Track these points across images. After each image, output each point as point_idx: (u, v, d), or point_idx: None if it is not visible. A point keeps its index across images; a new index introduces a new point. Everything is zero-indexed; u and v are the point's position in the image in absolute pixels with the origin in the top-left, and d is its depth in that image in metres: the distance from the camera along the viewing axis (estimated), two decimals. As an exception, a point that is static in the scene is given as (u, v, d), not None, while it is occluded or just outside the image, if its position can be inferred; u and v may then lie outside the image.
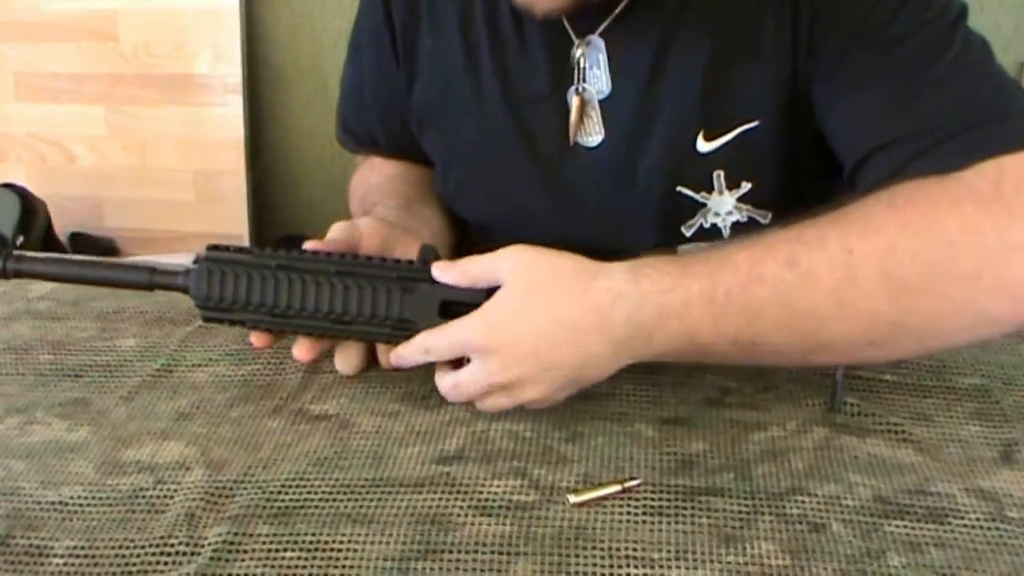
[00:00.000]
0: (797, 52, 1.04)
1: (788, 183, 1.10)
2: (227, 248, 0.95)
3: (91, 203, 2.76)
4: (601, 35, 1.11)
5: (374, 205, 1.19)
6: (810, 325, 0.87)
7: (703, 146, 1.09)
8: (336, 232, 1.02)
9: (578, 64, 1.12)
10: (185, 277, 0.96)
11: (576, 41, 1.12)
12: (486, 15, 1.17)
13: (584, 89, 1.13)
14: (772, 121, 1.07)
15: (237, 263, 0.94)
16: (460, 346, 0.91)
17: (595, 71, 1.12)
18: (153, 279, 0.97)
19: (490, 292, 0.91)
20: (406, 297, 0.94)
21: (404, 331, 0.94)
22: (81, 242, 2.77)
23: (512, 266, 0.90)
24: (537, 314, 0.88)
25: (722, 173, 1.10)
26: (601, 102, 1.13)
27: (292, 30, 2.69)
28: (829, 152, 1.07)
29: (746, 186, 1.10)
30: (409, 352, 0.94)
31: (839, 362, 0.94)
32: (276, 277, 0.94)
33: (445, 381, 0.94)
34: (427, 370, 1.01)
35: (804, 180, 1.10)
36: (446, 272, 0.93)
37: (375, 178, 1.34)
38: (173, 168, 2.64)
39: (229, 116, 2.66)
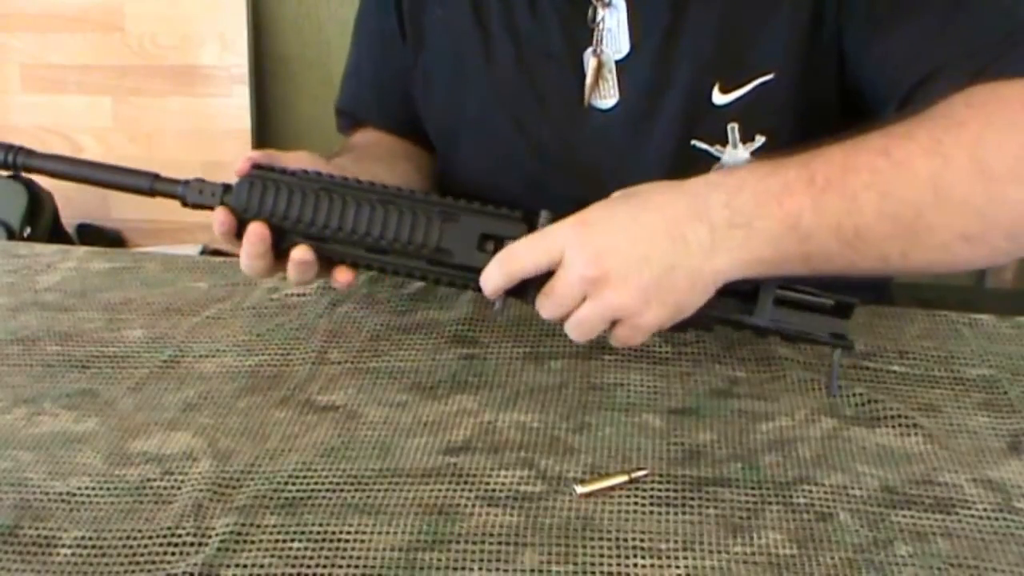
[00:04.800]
0: (820, 2, 1.03)
1: (802, 137, 1.07)
2: (272, 169, 0.96)
3: (97, 194, 2.74)
4: None
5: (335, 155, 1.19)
6: (908, 213, 0.86)
7: (719, 98, 1.09)
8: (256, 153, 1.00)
9: (598, 26, 1.12)
10: (184, 187, 0.97)
11: (595, 2, 1.12)
12: None
13: (602, 51, 1.12)
14: (788, 74, 1.07)
15: (280, 181, 0.95)
16: (551, 245, 0.88)
17: (614, 32, 1.12)
18: (154, 185, 0.98)
19: (531, 229, 0.91)
20: (445, 227, 0.93)
21: (440, 264, 0.94)
22: (88, 233, 2.77)
23: (567, 237, 0.89)
24: (631, 208, 0.87)
25: (736, 126, 1.10)
26: (618, 63, 1.13)
27: (298, 21, 2.69)
28: (845, 108, 1.07)
29: (760, 139, 1.10)
30: (493, 268, 0.90)
31: (937, 263, 0.90)
32: (317, 196, 0.94)
33: (540, 295, 0.90)
34: (433, 362, 1.01)
35: (819, 135, 1.09)
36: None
37: (354, 138, 1.35)
38: (180, 159, 2.64)
39: (235, 107, 2.67)
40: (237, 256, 0.97)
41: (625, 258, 0.86)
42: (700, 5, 1.08)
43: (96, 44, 2.72)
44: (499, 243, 0.92)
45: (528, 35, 1.16)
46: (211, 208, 0.97)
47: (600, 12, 1.12)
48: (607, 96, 1.14)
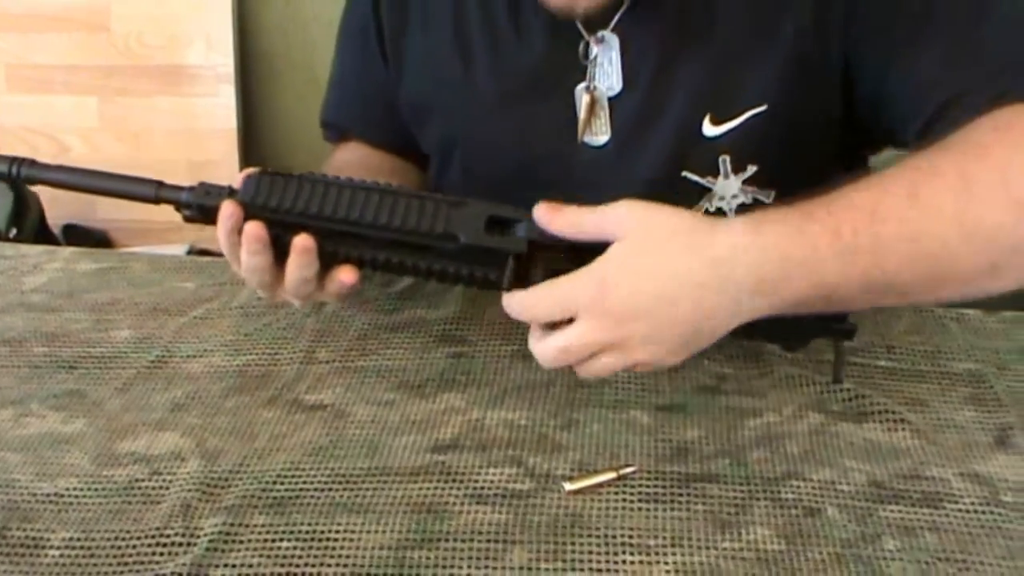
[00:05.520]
0: (823, 29, 1.02)
1: (794, 164, 1.07)
2: (277, 172, 0.95)
3: (83, 195, 2.75)
4: (613, 30, 1.08)
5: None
6: (936, 255, 0.84)
7: (709, 130, 1.08)
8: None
9: (591, 62, 1.10)
10: (189, 192, 0.95)
11: (587, 37, 1.09)
12: (480, 8, 1.15)
13: (595, 87, 1.11)
14: (781, 106, 1.06)
15: (287, 177, 0.94)
16: (569, 304, 0.85)
17: (606, 68, 1.10)
18: (159, 193, 0.96)
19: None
20: (453, 212, 0.91)
21: (447, 255, 0.93)
22: (74, 234, 2.76)
23: (624, 221, 0.85)
24: (654, 270, 0.83)
25: (728, 157, 1.09)
26: (610, 100, 1.11)
27: (284, 20, 2.68)
28: (838, 133, 1.07)
29: (752, 168, 1.09)
30: (511, 304, 0.89)
31: (962, 295, 0.89)
32: (326, 188, 0.93)
33: (548, 345, 0.86)
34: (421, 360, 1.01)
35: (811, 161, 1.09)
36: (554, 219, 0.87)
37: (339, 154, 1.32)
38: (166, 159, 2.63)
39: (222, 106, 2.66)
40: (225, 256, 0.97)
41: (648, 324, 0.84)
42: (692, 41, 1.06)
43: (82, 44, 2.70)
44: (507, 226, 0.92)
45: (514, 66, 1.14)
46: (214, 216, 0.95)
47: (593, 48, 1.10)
48: (599, 133, 1.12)
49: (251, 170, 0.95)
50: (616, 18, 1.08)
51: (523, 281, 0.90)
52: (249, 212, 0.93)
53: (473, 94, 1.17)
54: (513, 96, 1.15)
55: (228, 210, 0.93)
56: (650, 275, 0.83)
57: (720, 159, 1.09)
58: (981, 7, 0.95)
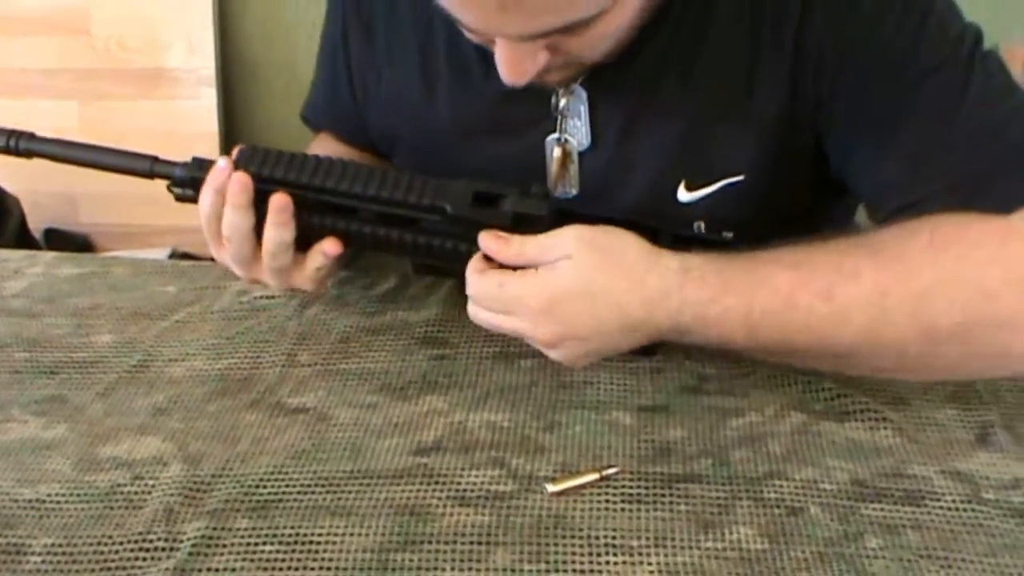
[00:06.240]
0: (798, 104, 1.00)
1: (771, 229, 1.01)
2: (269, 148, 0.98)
3: (65, 199, 2.74)
4: (582, 84, 1.06)
5: None
6: (840, 352, 0.88)
7: (684, 196, 1.06)
8: None
9: (561, 114, 1.08)
10: (183, 168, 0.98)
11: (557, 89, 1.06)
12: (447, 44, 1.12)
13: (567, 140, 1.08)
14: (758, 175, 1.04)
15: (280, 151, 0.97)
16: (513, 301, 0.90)
17: (575, 122, 1.08)
18: (154, 168, 1.00)
19: (524, 193, 0.94)
20: (440, 185, 0.95)
21: (431, 231, 0.96)
22: (55, 238, 2.75)
23: (578, 241, 0.89)
24: (600, 298, 0.88)
25: (703, 224, 1.07)
26: (580, 154, 1.09)
27: (265, 23, 2.68)
28: (819, 197, 1.08)
29: (727, 235, 1.06)
30: (470, 276, 0.93)
31: (873, 380, 0.96)
32: (317, 161, 0.96)
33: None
34: (403, 363, 1.01)
35: (789, 224, 1.04)
36: (500, 248, 0.92)
37: (318, 142, 1.32)
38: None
39: (203, 109, 2.65)
40: (209, 260, 0.97)
41: (580, 343, 0.90)
42: (663, 106, 1.04)
43: (61, 47, 2.69)
44: (494, 200, 0.94)
45: (481, 106, 1.12)
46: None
47: (563, 100, 1.07)
48: (570, 186, 1.11)
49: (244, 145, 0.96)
50: (585, 73, 1.05)
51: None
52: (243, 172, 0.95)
53: (438, 131, 1.15)
54: (480, 135, 1.13)
55: (221, 164, 0.94)
56: (595, 302, 0.89)
57: (695, 224, 1.07)
58: (950, 116, 0.93)
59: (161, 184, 1.00)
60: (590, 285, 0.88)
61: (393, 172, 0.96)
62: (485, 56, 0.99)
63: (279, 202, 0.94)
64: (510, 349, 1.03)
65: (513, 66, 0.92)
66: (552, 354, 0.91)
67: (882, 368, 0.91)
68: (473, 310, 0.94)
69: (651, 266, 0.89)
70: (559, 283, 0.88)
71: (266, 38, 2.69)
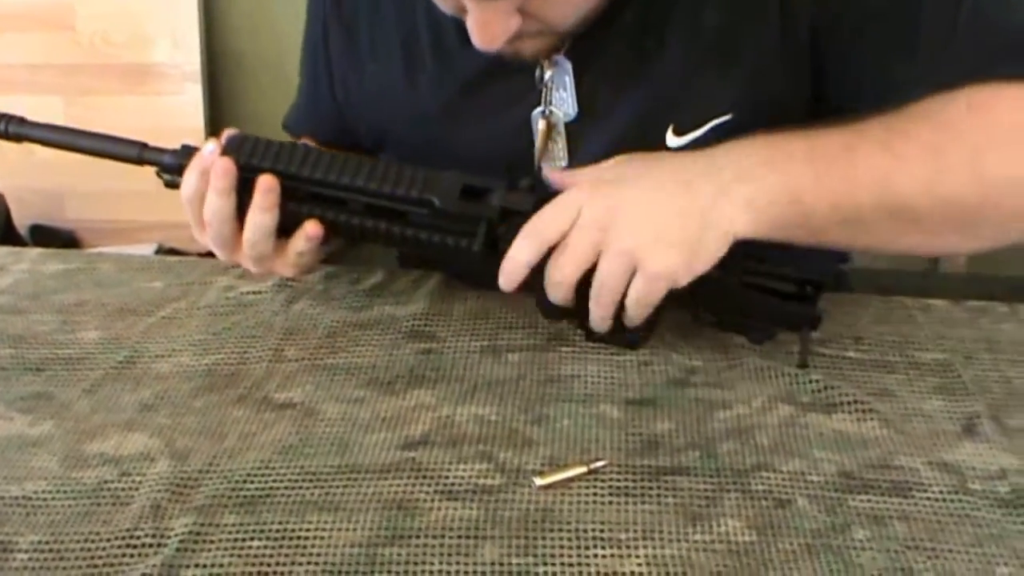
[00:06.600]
0: (788, 39, 1.01)
1: None
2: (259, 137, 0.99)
3: (51, 195, 2.74)
4: (566, 55, 1.07)
5: None
6: (903, 203, 0.89)
7: (673, 141, 1.06)
8: None
9: (546, 86, 1.09)
10: (172, 155, 0.99)
11: (542, 63, 1.08)
12: (430, 32, 1.13)
13: (551, 112, 1.09)
14: (746, 115, 1.04)
15: (270, 140, 0.98)
16: (572, 204, 0.90)
17: (561, 93, 1.08)
18: (143, 154, 1.01)
19: (511, 187, 0.95)
20: (429, 178, 0.95)
21: (419, 224, 0.96)
22: (41, 234, 2.74)
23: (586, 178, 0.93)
24: (643, 164, 0.91)
25: None
26: (567, 125, 1.10)
27: (250, 17, 2.68)
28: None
29: None
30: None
31: (925, 248, 0.97)
32: (306, 151, 0.97)
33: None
34: (390, 357, 1.01)
35: None
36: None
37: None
38: (130, 164, 2.61)
39: (188, 104, 2.65)
40: (196, 255, 0.97)
41: (635, 203, 0.88)
42: (650, 63, 1.05)
43: (46, 43, 2.69)
44: (481, 194, 0.95)
45: (467, 88, 1.13)
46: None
47: (547, 71, 1.08)
48: (557, 159, 1.12)
49: (234, 130, 0.97)
50: (568, 43, 1.06)
51: (493, 248, 0.93)
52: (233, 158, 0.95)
53: (424, 119, 1.16)
54: (466, 118, 1.14)
55: (209, 148, 0.95)
56: (639, 168, 0.92)
57: None
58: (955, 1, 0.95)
59: (147, 180, 1.00)
60: (634, 167, 0.93)
61: (383, 163, 0.96)
62: (467, 39, 0.99)
63: (266, 183, 0.95)
64: (497, 343, 1.03)
65: (485, 30, 0.93)
66: (630, 243, 0.88)
67: (941, 225, 0.91)
68: (555, 277, 0.92)
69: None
70: (604, 176, 0.93)
71: (252, 32, 2.69)
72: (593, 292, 0.91)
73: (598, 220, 0.88)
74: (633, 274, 0.89)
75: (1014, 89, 0.90)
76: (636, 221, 0.88)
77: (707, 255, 0.89)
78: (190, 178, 0.97)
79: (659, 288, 0.89)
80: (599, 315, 0.92)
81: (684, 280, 0.89)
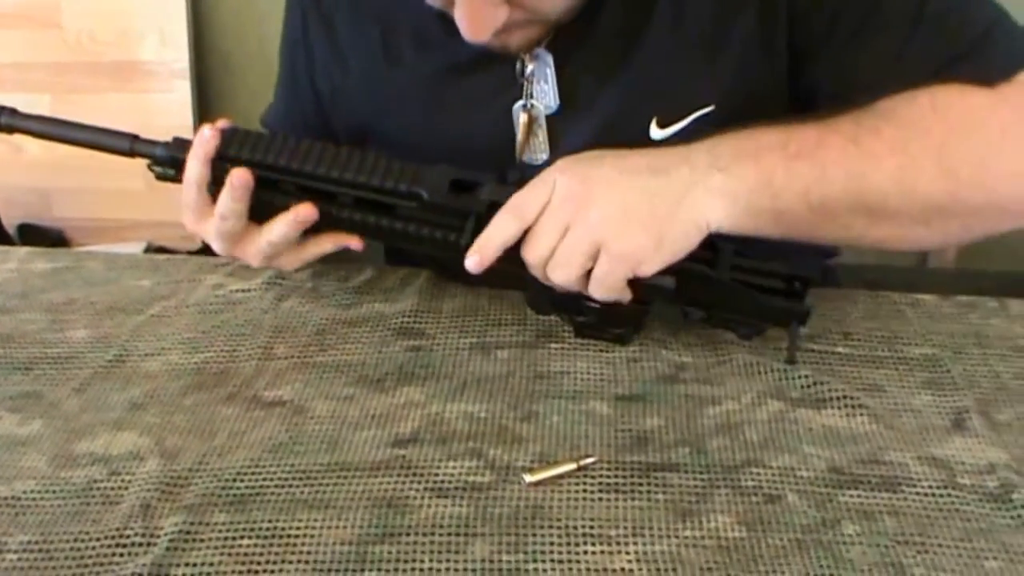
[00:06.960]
0: (767, 30, 1.01)
1: None
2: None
3: (39, 194, 2.73)
4: (547, 48, 1.07)
5: None
6: (872, 195, 0.90)
7: (657, 133, 1.06)
8: None
9: (527, 79, 1.08)
10: (164, 147, 1.00)
11: (521, 54, 1.07)
12: (414, 33, 1.13)
13: (532, 106, 1.09)
14: (729, 106, 1.05)
15: (260, 133, 1.00)
16: (548, 179, 0.91)
17: (542, 86, 1.08)
18: (134, 146, 1.01)
19: (500, 180, 0.96)
20: (418, 171, 0.96)
21: (408, 217, 0.97)
22: (29, 233, 2.73)
23: (563, 161, 0.94)
24: (620, 151, 0.91)
25: None
26: (548, 117, 1.10)
27: (238, 15, 2.67)
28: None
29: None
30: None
31: (894, 242, 0.96)
32: (298, 142, 0.98)
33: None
34: (380, 354, 1.01)
35: None
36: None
37: None
38: (122, 156, 2.61)
39: (177, 102, 2.64)
40: (184, 253, 0.97)
41: (608, 182, 0.89)
42: (632, 55, 1.05)
43: (33, 41, 2.68)
44: (470, 187, 0.95)
45: (448, 81, 1.13)
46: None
47: (529, 65, 1.08)
48: (538, 152, 1.12)
49: (225, 121, 0.97)
50: (550, 36, 1.06)
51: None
52: (222, 157, 0.95)
53: (407, 112, 1.16)
54: (447, 112, 1.14)
55: (207, 134, 0.95)
56: (617, 153, 0.93)
57: None
58: (920, 4, 0.96)
59: (136, 178, 1.00)
60: (611, 152, 0.93)
61: (372, 156, 0.97)
62: (450, 30, 0.99)
63: (240, 177, 0.97)
64: (486, 340, 1.03)
65: (474, 21, 0.93)
66: (599, 228, 0.89)
67: (910, 218, 0.92)
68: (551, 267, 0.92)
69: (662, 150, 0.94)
70: (581, 156, 0.93)
71: (240, 29, 2.68)
72: (553, 263, 0.91)
73: (572, 197, 0.90)
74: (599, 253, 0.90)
75: (976, 93, 0.92)
76: (606, 199, 0.89)
77: (676, 243, 0.90)
78: (192, 170, 0.98)
79: (622, 269, 0.90)
80: (555, 284, 0.94)
81: (649, 266, 0.90)
